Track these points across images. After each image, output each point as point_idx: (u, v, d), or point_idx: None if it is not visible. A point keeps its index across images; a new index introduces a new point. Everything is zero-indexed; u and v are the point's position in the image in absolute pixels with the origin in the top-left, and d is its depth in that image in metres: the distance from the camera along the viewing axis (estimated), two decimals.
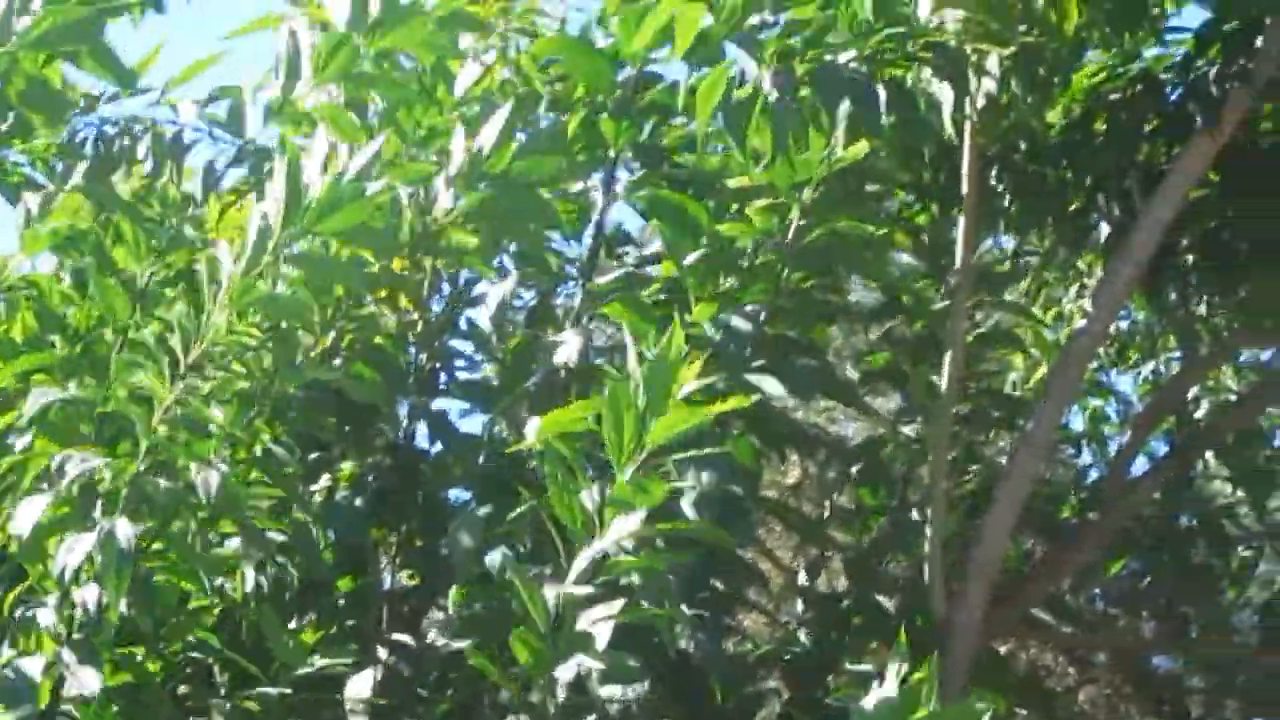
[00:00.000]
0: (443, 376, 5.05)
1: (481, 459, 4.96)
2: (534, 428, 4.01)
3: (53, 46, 4.50)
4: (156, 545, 4.03)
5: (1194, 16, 5.55)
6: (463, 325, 5.05)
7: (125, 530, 3.72)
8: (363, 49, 4.67)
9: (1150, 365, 7.11)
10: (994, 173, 5.55)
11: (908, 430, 5.77)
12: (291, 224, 3.98)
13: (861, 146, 4.58)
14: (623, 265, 5.06)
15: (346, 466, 4.90)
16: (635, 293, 4.78)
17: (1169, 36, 5.60)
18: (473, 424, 5.15)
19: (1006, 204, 5.68)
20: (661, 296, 4.80)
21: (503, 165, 4.56)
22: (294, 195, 3.97)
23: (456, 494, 5.04)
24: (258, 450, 4.39)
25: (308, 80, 4.72)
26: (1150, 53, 5.68)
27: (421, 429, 5.01)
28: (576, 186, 5.08)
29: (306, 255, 4.08)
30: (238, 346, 4.11)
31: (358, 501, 4.85)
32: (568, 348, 4.74)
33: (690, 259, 4.68)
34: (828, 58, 4.49)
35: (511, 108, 4.62)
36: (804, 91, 4.45)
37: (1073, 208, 5.76)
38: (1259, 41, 5.26)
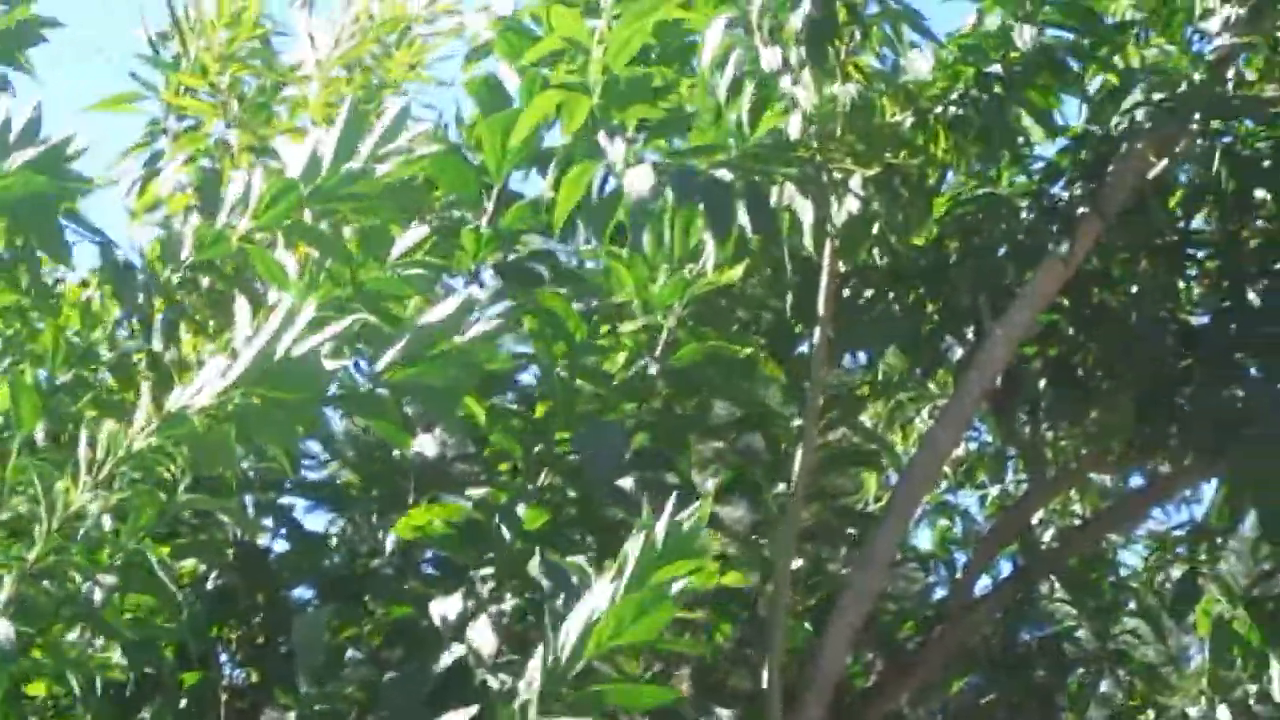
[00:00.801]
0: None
1: (327, 559, 4.93)
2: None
3: None
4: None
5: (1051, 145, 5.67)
6: None
7: (5, 630, 3.62)
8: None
9: (998, 487, 7.17)
10: (851, 291, 5.58)
11: (760, 543, 5.75)
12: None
13: (735, 271, 4.62)
14: None
15: (188, 564, 4.83)
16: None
17: (1027, 163, 5.71)
18: (317, 522, 5.16)
19: (863, 323, 5.70)
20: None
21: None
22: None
23: (300, 592, 5.00)
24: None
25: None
26: (1006, 177, 5.78)
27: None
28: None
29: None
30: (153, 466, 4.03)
31: (200, 599, 4.77)
32: (423, 449, 4.72)
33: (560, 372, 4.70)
34: (689, 163, 4.52)
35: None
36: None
37: (927, 328, 5.80)
38: (1111, 170, 5.36)
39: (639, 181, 4.35)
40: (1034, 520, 6.69)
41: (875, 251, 5.35)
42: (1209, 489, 6.44)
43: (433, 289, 4.75)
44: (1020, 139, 5.31)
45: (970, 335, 5.74)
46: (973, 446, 7.09)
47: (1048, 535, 6.90)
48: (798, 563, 5.75)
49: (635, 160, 4.43)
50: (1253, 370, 5.72)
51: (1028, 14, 5.01)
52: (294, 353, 3.78)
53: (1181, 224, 5.90)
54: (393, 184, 4.58)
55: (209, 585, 4.81)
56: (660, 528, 3.43)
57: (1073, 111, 5.61)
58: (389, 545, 4.73)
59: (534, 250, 4.99)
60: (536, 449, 4.74)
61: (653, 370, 4.73)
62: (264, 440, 4.22)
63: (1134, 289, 5.83)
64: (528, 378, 5.02)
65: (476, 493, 4.71)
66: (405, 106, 4.22)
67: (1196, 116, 5.37)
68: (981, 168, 5.39)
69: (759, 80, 4.47)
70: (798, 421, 5.47)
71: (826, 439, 5.84)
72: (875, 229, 4.99)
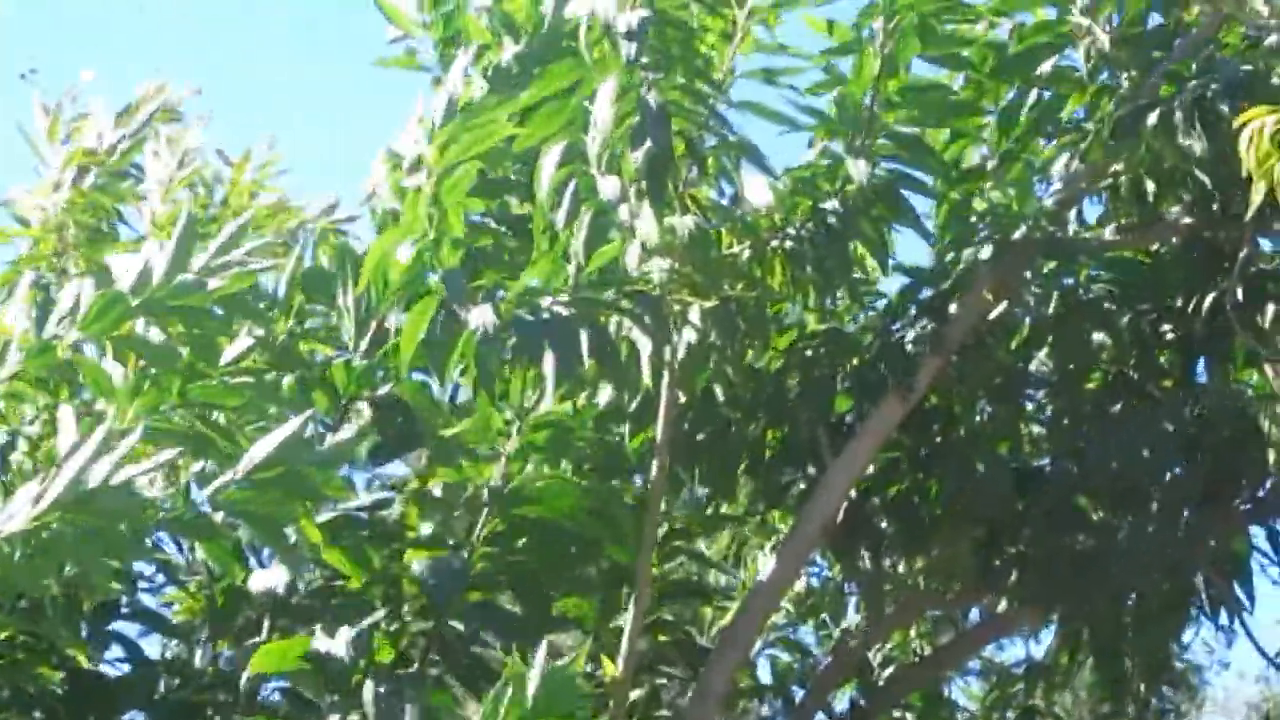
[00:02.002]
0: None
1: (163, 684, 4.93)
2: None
3: None
4: None
5: (893, 281, 5.71)
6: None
7: None
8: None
9: (837, 623, 7.15)
10: (691, 423, 5.55)
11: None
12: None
13: (565, 406, 4.61)
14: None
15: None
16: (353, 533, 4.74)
17: (868, 299, 5.74)
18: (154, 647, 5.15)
19: (703, 454, 5.68)
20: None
21: None
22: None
23: (133, 716, 4.97)
24: None
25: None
26: (848, 313, 5.81)
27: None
28: None
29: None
30: None
31: None
32: (268, 581, 4.68)
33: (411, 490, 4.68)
34: (531, 300, 4.51)
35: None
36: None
37: (767, 461, 5.79)
38: (952, 309, 5.39)
39: (481, 321, 4.33)
40: (872, 656, 6.67)
41: (715, 384, 5.33)
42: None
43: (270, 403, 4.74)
44: (858, 273, 5.33)
45: (810, 469, 5.73)
46: (813, 581, 7.08)
47: (886, 672, 6.88)
48: (635, 693, 5.69)
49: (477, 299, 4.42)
50: (1092, 514, 5.75)
51: (862, 147, 5.04)
52: (114, 478, 3.73)
53: (1021, 364, 5.93)
54: (226, 298, 4.56)
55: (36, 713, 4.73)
56: (534, 677, 3.42)
57: (912, 249, 5.68)
58: (242, 677, 4.68)
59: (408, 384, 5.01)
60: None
61: (488, 498, 4.69)
62: (79, 565, 4.16)
63: (974, 428, 5.84)
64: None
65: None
66: (244, 222, 4.20)
67: (1036, 258, 5.41)
68: (823, 302, 5.39)
69: (596, 209, 4.46)
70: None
71: (664, 569, 5.81)
72: (713, 361, 4.97)
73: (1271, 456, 4.81)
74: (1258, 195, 4.49)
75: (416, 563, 4.69)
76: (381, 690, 4.38)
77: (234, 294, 4.58)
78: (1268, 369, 4.78)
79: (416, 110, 4.98)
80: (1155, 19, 5.36)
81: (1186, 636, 6.31)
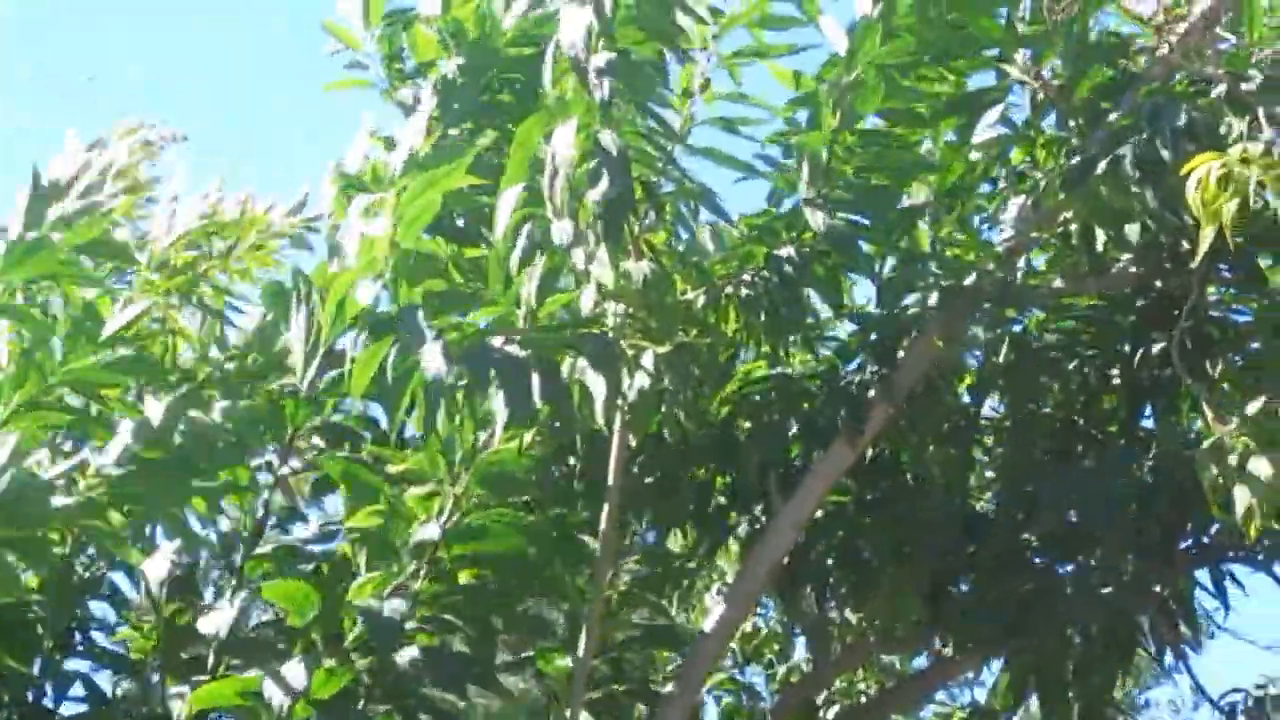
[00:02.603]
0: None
1: None
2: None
3: None
4: None
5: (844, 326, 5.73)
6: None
7: None
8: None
9: (784, 665, 7.17)
10: (641, 466, 5.56)
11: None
12: None
13: (513, 446, 4.61)
14: (283, 540, 5.04)
15: None
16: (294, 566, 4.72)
17: (818, 344, 5.76)
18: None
19: (653, 497, 5.68)
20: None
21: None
22: None
23: None
24: None
25: None
26: (798, 358, 5.83)
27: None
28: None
29: None
30: None
31: None
32: (217, 620, 4.68)
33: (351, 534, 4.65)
34: (485, 340, 4.50)
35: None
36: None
37: (716, 505, 5.80)
38: (901, 355, 5.41)
39: (432, 361, 4.33)
40: (819, 698, 6.69)
41: (666, 428, 5.34)
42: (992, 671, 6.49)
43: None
44: (811, 319, 5.35)
45: (759, 513, 5.74)
46: (761, 624, 7.10)
47: (832, 714, 6.89)
48: None
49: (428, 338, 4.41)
50: (1038, 559, 5.78)
51: (820, 196, 5.07)
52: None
53: (971, 410, 5.96)
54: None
55: None
56: None
57: (860, 291, 5.71)
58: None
59: (355, 416, 5.02)
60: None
61: (436, 536, 4.67)
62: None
63: (922, 473, 5.86)
64: None
65: None
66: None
67: (986, 305, 5.43)
68: (773, 348, 5.41)
69: (550, 252, 4.47)
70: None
71: (619, 615, 5.81)
72: (666, 405, 4.98)
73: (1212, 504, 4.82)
74: (1206, 239, 4.54)
75: (359, 601, 4.67)
76: None
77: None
78: (1209, 416, 4.79)
79: (364, 125, 5.06)
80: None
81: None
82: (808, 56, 5.10)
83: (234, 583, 5.09)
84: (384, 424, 5.12)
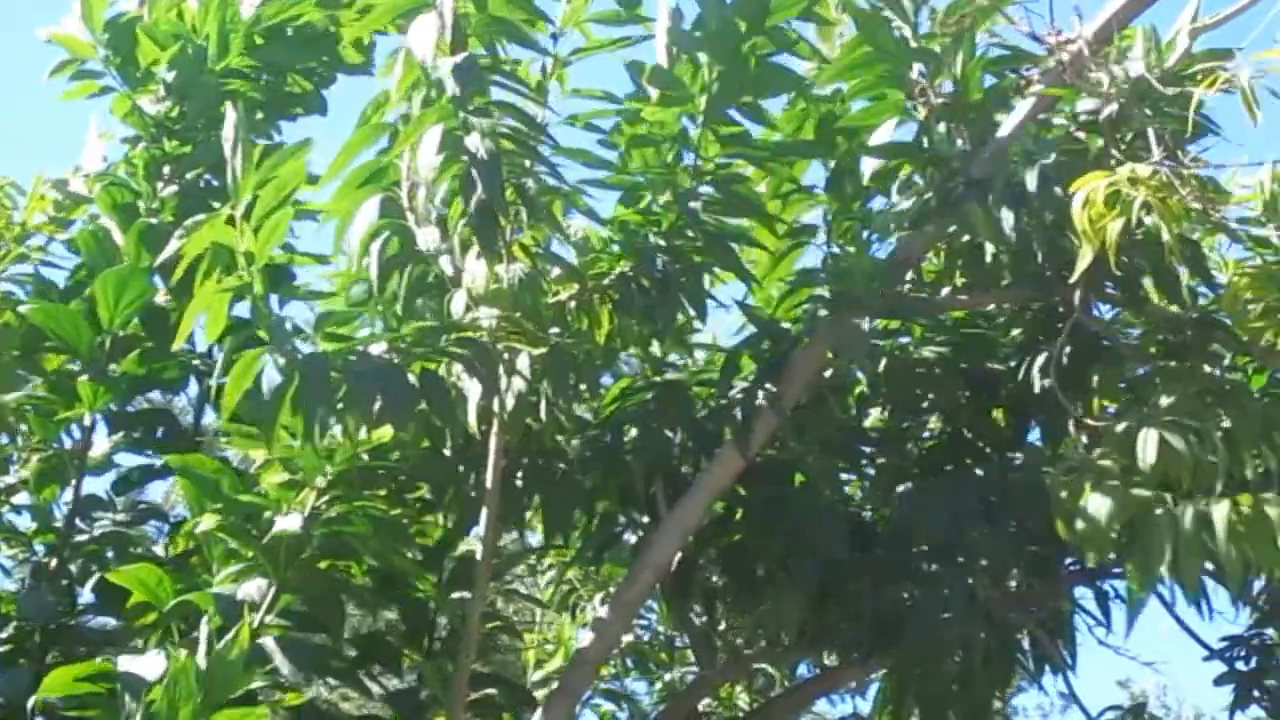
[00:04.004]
0: None
1: None
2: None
3: None
4: None
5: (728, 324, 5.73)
6: None
7: None
8: None
9: (667, 674, 7.16)
10: (521, 471, 5.54)
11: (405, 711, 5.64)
12: None
13: (386, 431, 4.58)
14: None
15: None
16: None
17: (703, 351, 5.76)
18: None
19: (533, 502, 5.66)
20: None
21: None
22: None
23: None
24: None
25: None
26: (689, 365, 5.82)
27: None
28: None
29: None
30: None
31: None
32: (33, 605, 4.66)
33: (206, 525, 4.61)
34: (361, 348, 4.49)
35: None
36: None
37: (599, 511, 5.78)
38: (790, 365, 5.41)
39: (310, 369, 4.31)
40: (700, 708, 6.67)
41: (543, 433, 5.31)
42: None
43: None
44: (687, 321, 5.35)
45: (644, 521, 5.72)
46: (643, 633, 7.09)
47: None
48: None
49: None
50: (922, 570, 5.78)
51: (689, 196, 5.07)
52: None
53: (857, 420, 5.97)
54: None
55: None
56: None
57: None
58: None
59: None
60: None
61: (297, 527, 4.63)
62: None
63: (808, 482, 5.86)
64: None
65: None
66: None
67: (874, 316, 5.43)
68: (648, 351, 5.40)
69: (414, 260, 4.45)
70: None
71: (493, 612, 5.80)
72: (543, 409, 4.95)
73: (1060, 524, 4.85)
74: (1085, 259, 4.57)
75: (216, 589, 4.64)
76: None
77: None
78: (1075, 441, 4.82)
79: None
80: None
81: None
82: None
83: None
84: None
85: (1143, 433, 4.75)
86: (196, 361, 5.45)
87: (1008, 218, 4.97)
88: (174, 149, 5.46)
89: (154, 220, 5.16)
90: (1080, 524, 4.70)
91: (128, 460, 5.50)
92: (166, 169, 5.44)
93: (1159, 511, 4.62)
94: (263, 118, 5.46)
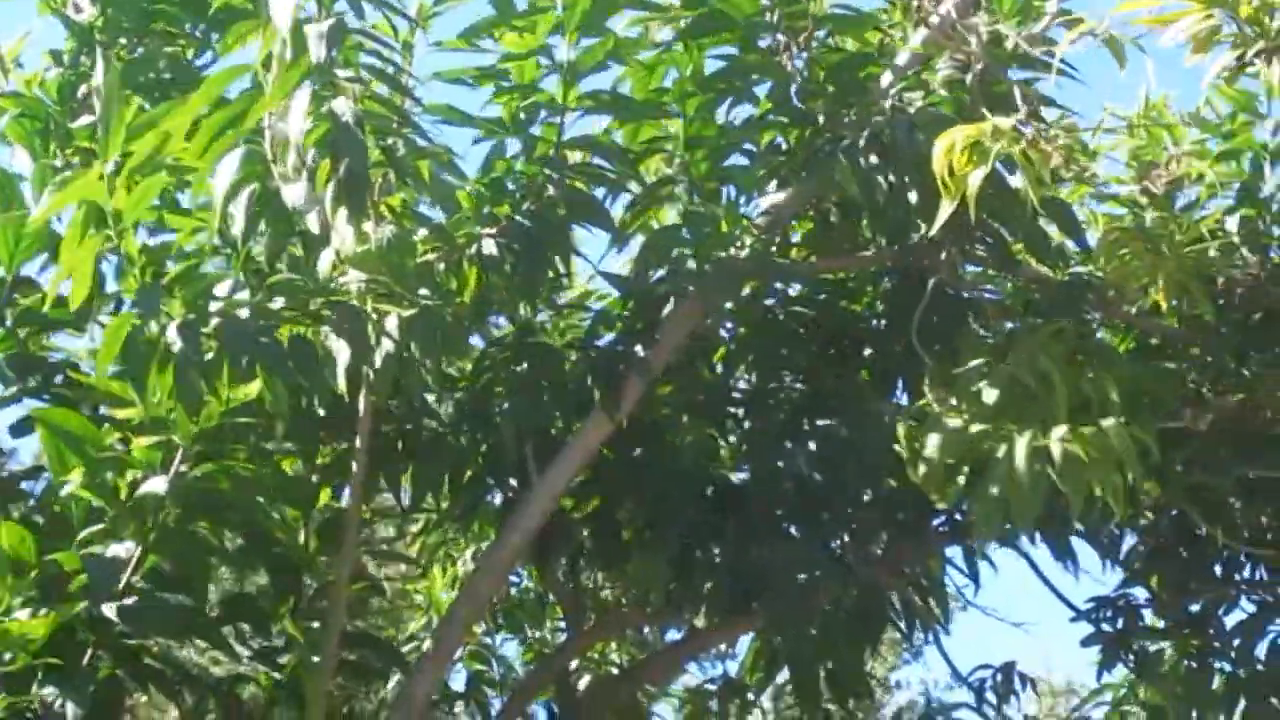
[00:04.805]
0: None
1: None
2: None
3: None
4: None
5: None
6: None
7: None
8: None
9: (537, 634, 7.18)
10: (391, 431, 5.51)
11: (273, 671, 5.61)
12: None
13: (254, 386, 4.54)
14: None
15: None
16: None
17: (572, 311, 5.76)
18: None
19: (403, 464, 5.64)
20: None
21: None
22: None
23: None
24: None
25: None
26: (558, 326, 5.82)
27: None
28: None
29: None
30: None
31: None
32: None
33: (71, 486, 4.56)
34: (230, 310, 4.45)
35: None
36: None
37: (469, 472, 5.77)
38: (658, 327, 5.41)
39: (183, 336, 4.27)
40: (571, 668, 6.69)
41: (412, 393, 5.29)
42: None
43: None
44: (555, 278, 5.34)
45: (513, 482, 5.72)
46: (513, 591, 7.09)
47: (583, 683, 6.91)
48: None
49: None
50: (790, 530, 5.82)
51: (554, 153, 5.06)
52: None
53: (724, 381, 5.99)
54: None
55: None
56: None
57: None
58: None
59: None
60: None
61: (162, 489, 4.59)
62: None
63: (676, 443, 5.88)
64: None
65: None
66: None
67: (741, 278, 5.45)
68: (517, 311, 5.38)
69: (279, 216, 4.42)
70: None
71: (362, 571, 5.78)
72: (412, 370, 4.92)
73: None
74: (945, 210, 4.58)
75: (84, 553, 4.59)
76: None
77: None
78: (929, 394, 4.84)
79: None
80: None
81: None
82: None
83: None
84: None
85: (990, 376, 4.77)
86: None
87: (876, 175, 4.98)
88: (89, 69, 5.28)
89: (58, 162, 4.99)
90: (921, 465, 4.71)
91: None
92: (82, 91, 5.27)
93: (999, 450, 4.62)
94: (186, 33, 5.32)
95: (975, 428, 4.69)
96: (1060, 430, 4.58)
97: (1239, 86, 5.38)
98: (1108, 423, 4.63)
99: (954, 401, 4.80)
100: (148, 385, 4.36)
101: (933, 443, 4.68)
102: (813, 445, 5.72)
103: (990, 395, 4.72)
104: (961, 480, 4.74)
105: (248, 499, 4.79)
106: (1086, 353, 5.11)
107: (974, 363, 4.83)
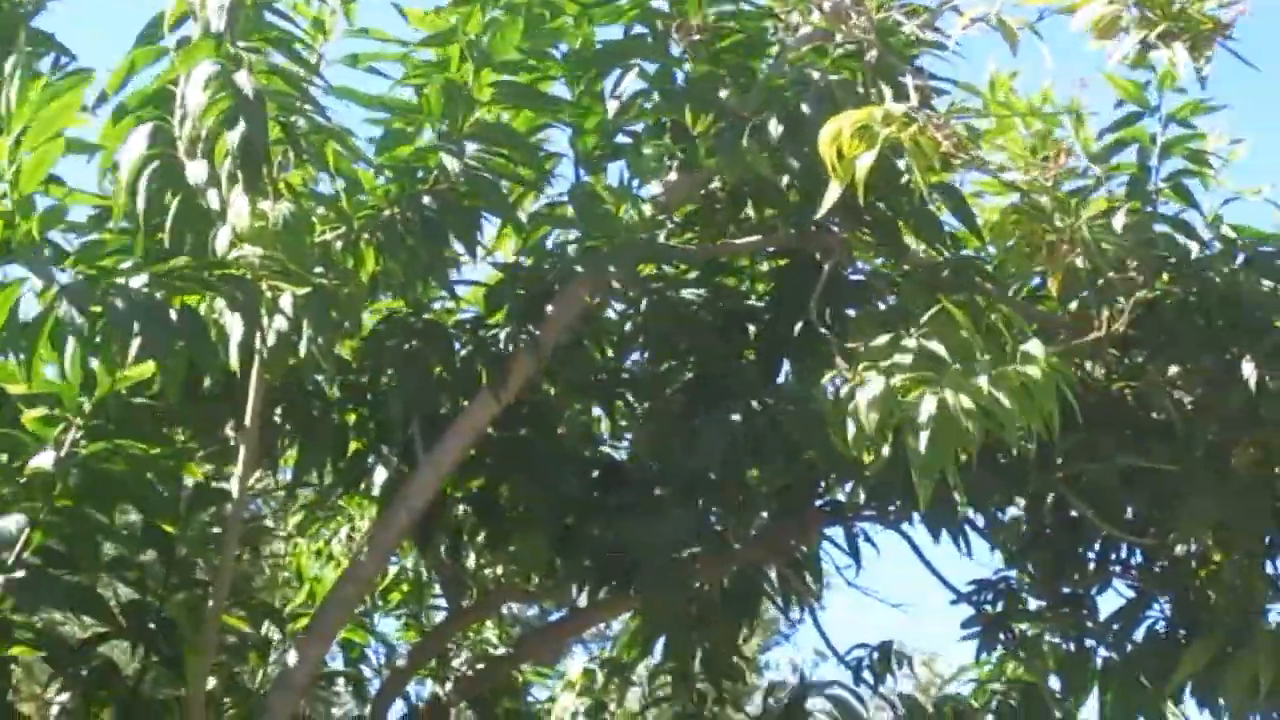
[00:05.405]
0: None
1: None
2: None
3: None
4: None
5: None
6: None
7: None
8: None
9: (417, 611, 7.15)
10: (280, 408, 5.46)
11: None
12: None
13: (147, 367, 4.48)
14: None
15: None
16: None
17: (461, 291, 5.73)
18: None
19: (289, 440, 5.59)
20: None
21: None
22: None
23: None
24: None
25: None
26: (444, 306, 5.78)
27: None
28: None
29: None
30: None
31: None
32: None
33: None
34: (122, 281, 4.38)
35: None
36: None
37: (354, 450, 5.73)
38: (548, 309, 5.40)
39: (71, 301, 4.20)
40: (452, 647, 6.68)
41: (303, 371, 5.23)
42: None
43: None
44: (453, 261, 5.30)
45: (398, 461, 5.68)
46: (393, 569, 7.06)
47: (462, 661, 6.90)
48: (212, 681, 5.58)
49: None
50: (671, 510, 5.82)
51: (457, 137, 5.03)
52: None
53: (615, 363, 5.99)
54: None
55: None
56: None
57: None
58: None
59: None
60: None
61: (49, 464, 4.52)
62: None
63: (564, 424, 5.87)
64: None
65: None
66: None
67: (633, 260, 5.43)
68: (414, 292, 5.34)
69: (182, 192, 4.36)
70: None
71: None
72: (305, 348, 4.87)
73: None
74: (833, 192, 4.59)
75: None
76: None
77: None
78: (839, 365, 4.84)
79: None
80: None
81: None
82: None
83: None
84: None
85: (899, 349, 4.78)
86: None
87: (783, 154, 4.99)
88: None
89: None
90: (851, 428, 4.67)
91: None
92: None
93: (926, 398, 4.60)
94: None
95: (901, 380, 4.66)
96: (984, 375, 4.58)
97: (1129, 78, 5.44)
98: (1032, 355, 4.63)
99: (864, 364, 4.77)
100: (32, 354, 4.29)
101: (863, 402, 4.63)
102: (701, 427, 5.70)
103: (904, 363, 4.71)
104: (886, 450, 4.69)
105: (139, 477, 4.73)
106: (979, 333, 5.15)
107: (879, 340, 4.81)
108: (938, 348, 4.67)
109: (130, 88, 4.52)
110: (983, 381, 4.53)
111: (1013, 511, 6.10)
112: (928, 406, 4.49)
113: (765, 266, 6.01)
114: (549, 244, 5.60)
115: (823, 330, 5.12)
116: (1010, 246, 5.23)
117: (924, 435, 4.47)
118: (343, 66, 5.01)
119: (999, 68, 5.46)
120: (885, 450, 4.62)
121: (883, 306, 5.59)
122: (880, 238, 5.47)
